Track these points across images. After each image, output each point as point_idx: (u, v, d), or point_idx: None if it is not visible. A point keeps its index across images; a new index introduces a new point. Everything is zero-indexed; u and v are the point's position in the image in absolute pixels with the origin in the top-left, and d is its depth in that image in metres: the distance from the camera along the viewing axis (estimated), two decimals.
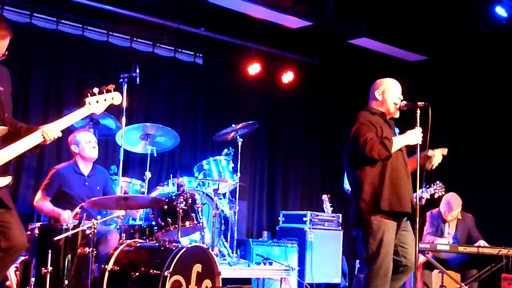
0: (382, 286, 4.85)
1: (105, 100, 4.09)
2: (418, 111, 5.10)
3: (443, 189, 7.00)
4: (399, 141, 4.94)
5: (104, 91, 4.09)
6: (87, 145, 6.09)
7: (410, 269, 5.01)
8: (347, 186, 6.32)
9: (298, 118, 10.41)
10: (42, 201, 5.90)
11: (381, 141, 4.82)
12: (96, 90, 4.06)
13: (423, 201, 6.93)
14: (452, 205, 7.40)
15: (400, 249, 4.99)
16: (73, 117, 4.05)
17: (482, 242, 7.36)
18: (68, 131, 6.72)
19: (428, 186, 6.95)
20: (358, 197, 4.92)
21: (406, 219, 5.06)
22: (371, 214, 4.86)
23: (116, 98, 4.15)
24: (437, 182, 6.93)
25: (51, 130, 3.92)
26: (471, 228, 7.61)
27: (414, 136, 4.97)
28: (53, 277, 5.07)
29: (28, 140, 3.85)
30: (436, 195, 6.97)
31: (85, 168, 6.14)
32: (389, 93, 5.12)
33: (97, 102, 4.07)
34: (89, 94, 4.06)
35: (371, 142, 4.80)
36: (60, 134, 3.97)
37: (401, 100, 5.14)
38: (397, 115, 5.18)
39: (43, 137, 3.88)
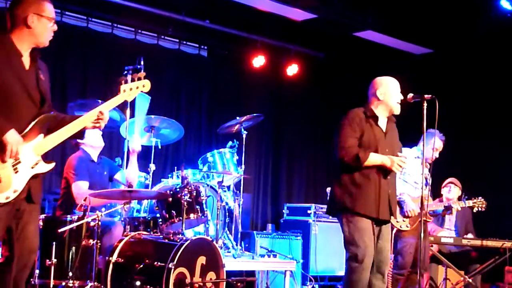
0: (359, 271, 4.99)
1: (137, 87, 4.15)
2: (425, 104, 5.10)
3: (484, 206, 6.91)
4: (377, 160, 5.04)
5: (136, 78, 4.15)
6: (95, 133, 6.09)
7: (383, 265, 5.16)
8: None
9: (303, 110, 10.38)
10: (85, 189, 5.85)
11: (356, 154, 4.95)
12: (129, 78, 4.13)
13: (453, 211, 6.90)
14: (454, 182, 7.43)
15: (375, 245, 5.11)
16: (110, 104, 4.09)
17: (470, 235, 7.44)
18: None
19: (467, 197, 6.89)
20: (336, 184, 5.15)
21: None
22: (343, 212, 5.07)
23: (146, 85, 4.19)
24: (480, 197, 6.90)
25: (100, 114, 4.00)
26: (469, 219, 7.63)
27: (394, 164, 5.04)
28: (57, 269, 5.05)
29: (77, 124, 3.90)
30: (475, 210, 6.92)
31: (94, 156, 6.16)
32: (392, 93, 5.19)
33: (130, 89, 4.12)
34: (123, 82, 4.10)
35: (349, 150, 4.98)
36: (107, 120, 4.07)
37: (407, 96, 5.20)
38: (398, 112, 5.25)
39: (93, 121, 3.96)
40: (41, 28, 3.88)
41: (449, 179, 7.55)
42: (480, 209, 6.88)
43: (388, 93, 5.19)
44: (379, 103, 5.22)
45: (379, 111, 5.23)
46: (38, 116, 3.77)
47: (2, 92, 3.65)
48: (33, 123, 3.74)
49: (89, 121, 3.95)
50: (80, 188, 5.77)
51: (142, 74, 4.18)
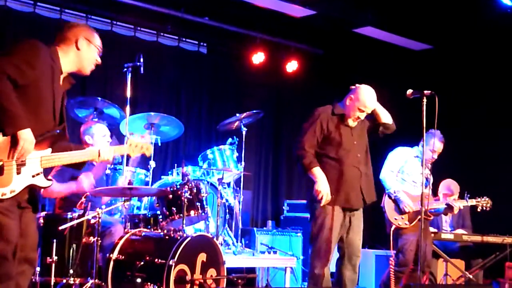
0: (320, 267, 5.25)
1: (141, 148, 4.41)
2: (425, 100, 5.13)
3: (490, 205, 6.89)
4: (316, 175, 5.25)
5: (145, 139, 4.49)
6: (102, 139, 6.09)
7: (353, 257, 5.39)
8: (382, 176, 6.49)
9: (302, 107, 10.36)
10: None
11: (303, 162, 5.28)
12: (137, 135, 4.56)
13: (455, 210, 6.89)
14: (452, 190, 7.38)
15: (345, 238, 5.37)
16: (113, 151, 4.20)
17: (459, 231, 7.43)
18: (78, 123, 6.75)
19: (469, 196, 6.88)
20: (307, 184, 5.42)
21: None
22: (315, 201, 5.28)
23: (148, 150, 4.47)
24: (484, 197, 6.89)
25: (107, 152, 4.13)
26: (466, 215, 7.61)
27: (321, 196, 5.21)
28: (58, 266, 5.05)
29: (84, 154, 4.01)
30: (479, 209, 6.91)
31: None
32: (356, 106, 5.37)
33: (135, 146, 4.39)
34: (131, 135, 4.44)
35: (302, 153, 5.32)
36: (111, 160, 4.25)
37: (407, 92, 5.29)
38: (352, 124, 5.45)
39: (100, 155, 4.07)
40: (88, 54, 4.02)
41: (447, 184, 7.48)
42: (485, 208, 6.87)
43: (353, 105, 5.38)
44: (342, 107, 5.48)
45: (343, 112, 5.45)
46: (53, 132, 3.84)
47: (36, 97, 3.72)
48: (47, 134, 3.79)
49: (91, 158, 4.06)
50: (83, 180, 5.75)
51: (148, 137, 4.50)
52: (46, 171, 3.88)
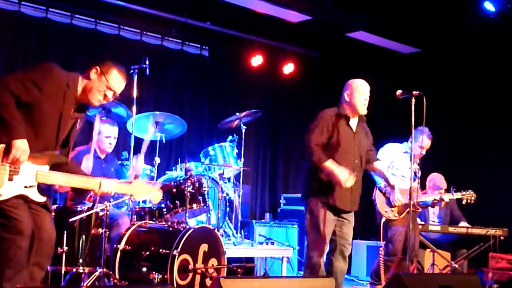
0: (316, 256, 5.17)
1: (149, 192, 4.21)
2: (413, 100, 5.12)
3: (474, 198, 6.88)
4: (330, 168, 5.06)
5: (153, 186, 4.28)
6: (106, 139, 6.12)
7: (344, 249, 5.33)
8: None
9: (298, 106, 10.38)
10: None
11: (313, 159, 5.08)
12: (146, 180, 4.37)
13: (443, 203, 6.90)
14: (439, 185, 7.38)
15: (338, 231, 5.29)
16: (116, 188, 4.09)
17: (463, 223, 7.40)
18: (86, 121, 6.74)
19: (455, 190, 6.87)
20: (308, 175, 5.27)
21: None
22: (311, 196, 5.22)
23: (156, 198, 4.28)
24: (469, 190, 6.88)
25: (109, 187, 4.02)
26: (453, 207, 7.59)
27: (344, 181, 5.05)
28: (68, 256, 5.05)
29: (85, 181, 3.92)
30: (464, 202, 6.90)
31: (101, 154, 6.16)
32: (356, 95, 5.27)
33: (140, 189, 4.18)
34: (138, 177, 4.19)
35: (310, 150, 5.09)
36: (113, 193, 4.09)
37: (396, 93, 5.24)
38: (364, 112, 5.31)
39: (99, 188, 3.95)
40: (96, 85, 3.90)
41: (433, 177, 7.48)
42: (469, 201, 6.86)
43: (353, 95, 5.28)
44: (346, 104, 5.33)
45: (348, 111, 5.32)
46: (52, 151, 3.80)
47: (39, 116, 3.71)
48: (47, 152, 3.77)
49: (91, 188, 3.95)
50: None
51: (158, 184, 4.28)
52: (44, 190, 3.82)
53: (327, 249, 5.27)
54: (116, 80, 3.98)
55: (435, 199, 6.78)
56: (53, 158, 3.81)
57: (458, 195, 6.84)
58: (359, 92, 5.27)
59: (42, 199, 3.80)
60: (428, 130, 6.56)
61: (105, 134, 6.11)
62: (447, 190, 7.03)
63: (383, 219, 6.37)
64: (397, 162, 6.58)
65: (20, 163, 3.62)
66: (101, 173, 5.97)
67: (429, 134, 6.61)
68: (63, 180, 3.83)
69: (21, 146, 3.56)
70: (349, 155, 5.24)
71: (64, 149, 3.90)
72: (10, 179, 3.63)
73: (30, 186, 3.72)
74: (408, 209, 5.28)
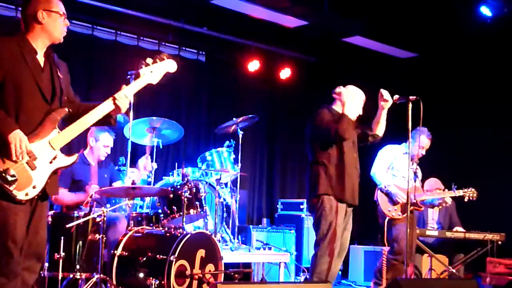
0: (328, 262, 5.26)
1: (159, 69, 3.99)
2: (410, 105, 5.14)
3: (475, 195, 6.86)
4: (342, 121, 5.31)
5: (158, 60, 3.99)
6: (103, 148, 6.09)
7: (342, 253, 5.48)
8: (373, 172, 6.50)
9: (295, 112, 10.37)
10: (60, 193, 5.80)
11: (339, 129, 5.25)
12: (150, 60, 3.97)
13: (444, 204, 6.90)
14: (437, 187, 7.38)
15: (341, 235, 5.38)
16: (132, 88, 3.98)
17: (458, 229, 7.40)
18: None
19: (456, 187, 6.87)
20: (314, 181, 5.36)
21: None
22: (322, 192, 5.32)
23: (172, 66, 4.03)
24: (471, 188, 6.88)
25: (124, 97, 3.87)
26: (453, 213, 7.60)
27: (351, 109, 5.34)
28: (65, 262, 5.05)
29: (97, 111, 3.77)
30: (466, 199, 6.90)
31: (93, 161, 6.12)
32: (349, 103, 5.43)
33: (151, 72, 3.98)
34: (143, 66, 3.96)
35: (330, 130, 5.27)
36: (132, 100, 3.93)
37: (393, 98, 5.34)
38: (353, 118, 5.45)
39: (116, 104, 3.82)
40: (52, 24, 3.77)
41: (431, 183, 7.48)
42: (471, 198, 6.84)
43: (346, 103, 5.43)
44: (347, 109, 5.45)
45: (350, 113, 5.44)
46: (49, 113, 3.67)
47: (15, 91, 3.57)
48: (44, 120, 3.63)
49: (110, 107, 3.81)
50: (91, 190, 5.71)
51: (164, 54, 4.00)
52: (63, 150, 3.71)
53: (337, 248, 5.30)
54: (60, 5, 3.86)
55: (440, 200, 6.79)
56: (53, 119, 3.67)
57: (459, 192, 6.83)
58: (351, 101, 5.46)
59: (72, 158, 3.71)
60: (427, 130, 6.60)
61: (104, 143, 6.09)
62: (448, 188, 7.02)
63: (387, 219, 6.38)
64: (397, 163, 6.60)
65: (26, 151, 3.50)
66: (94, 180, 5.96)
67: (428, 134, 6.64)
68: (77, 129, 3.71)
69: (16, 136, 3.46)
70: (350, 149, 5.42)
71: (54, 103, 3.74)
72: (33, 168, 3.54)
73: (54, 158, 3.63)
74: (410, 208, 5.32)
